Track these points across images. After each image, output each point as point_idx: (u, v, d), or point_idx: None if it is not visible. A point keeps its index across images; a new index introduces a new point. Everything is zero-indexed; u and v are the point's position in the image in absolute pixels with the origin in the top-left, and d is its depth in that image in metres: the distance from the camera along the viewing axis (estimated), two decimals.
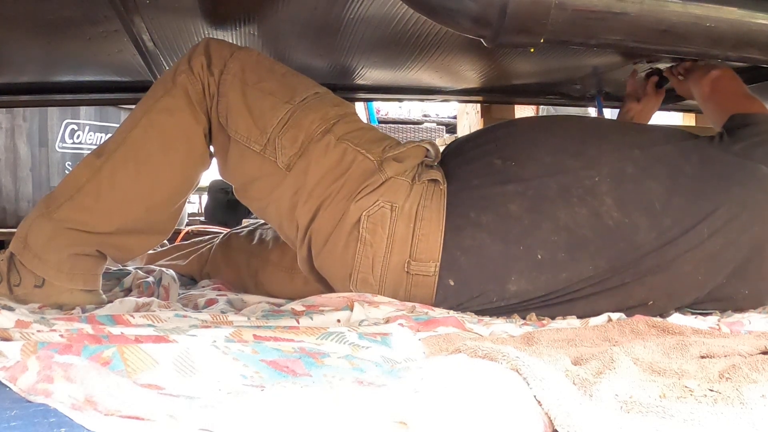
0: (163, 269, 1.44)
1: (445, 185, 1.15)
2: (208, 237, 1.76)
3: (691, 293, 1.17)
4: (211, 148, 1.24)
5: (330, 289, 1.20)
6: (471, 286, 1.11)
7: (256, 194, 1.21)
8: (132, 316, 0.91)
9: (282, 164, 1.15)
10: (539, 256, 1.09)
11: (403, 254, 1.10)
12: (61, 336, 0.74)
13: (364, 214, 1.11)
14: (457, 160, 1.21)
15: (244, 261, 1.48)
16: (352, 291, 1.14)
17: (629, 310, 1.11)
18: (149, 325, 0.87)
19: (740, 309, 1.19)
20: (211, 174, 1.81)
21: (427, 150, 1.20)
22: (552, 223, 1.10)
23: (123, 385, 0.57)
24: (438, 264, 1.10)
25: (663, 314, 1.13)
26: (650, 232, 1.11)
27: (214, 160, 1.27)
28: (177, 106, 1.19)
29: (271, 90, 1.18)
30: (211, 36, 1.39)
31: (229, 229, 1.77)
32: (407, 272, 1.11)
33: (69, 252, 1.17)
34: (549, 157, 1.16)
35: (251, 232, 1.56)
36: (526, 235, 1.10)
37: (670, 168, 1.16)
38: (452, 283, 1.10)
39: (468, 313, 1.11)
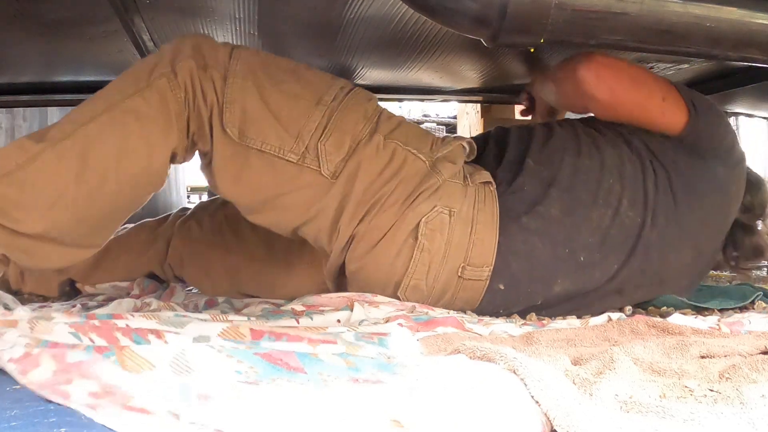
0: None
1: (495, 187, 1.13)
2: (159, 218, 1.48)
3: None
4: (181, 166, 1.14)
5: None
6: (519, 289, 1.11)
7: (285, 209, 1.08)
8: (132, 315, 0.91)
9: (327, 172, 1.05)
10: (582, 258, 1.12)
11: (458, 259, 1.08)
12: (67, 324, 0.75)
13: (422, 220, 1.06)
14: (487, 160, 1.19)
15: (217, 258, 1.34)
16: (399, 298, 1.10)
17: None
18: None
19: None
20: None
21: (464, 147, 1.15)
22: (588, 225, 1.12)
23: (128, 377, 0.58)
24: (491, 268, 1.09)
25: (663, 316, 1.13)
26: (653, 231, 1.16)
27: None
28: (147, 112, 1.00)
29: (295, 92, 1.07)
30: (209, 35, 1.32)
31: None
32: (460, 276, 1.09)
33: None
34: (571, 158, 1.16)
35: (215, 220, 1.37)
36: (569, 238, 1.12)
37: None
38: (502, 287, 1.10)
39: (469, 313, 1.11)
